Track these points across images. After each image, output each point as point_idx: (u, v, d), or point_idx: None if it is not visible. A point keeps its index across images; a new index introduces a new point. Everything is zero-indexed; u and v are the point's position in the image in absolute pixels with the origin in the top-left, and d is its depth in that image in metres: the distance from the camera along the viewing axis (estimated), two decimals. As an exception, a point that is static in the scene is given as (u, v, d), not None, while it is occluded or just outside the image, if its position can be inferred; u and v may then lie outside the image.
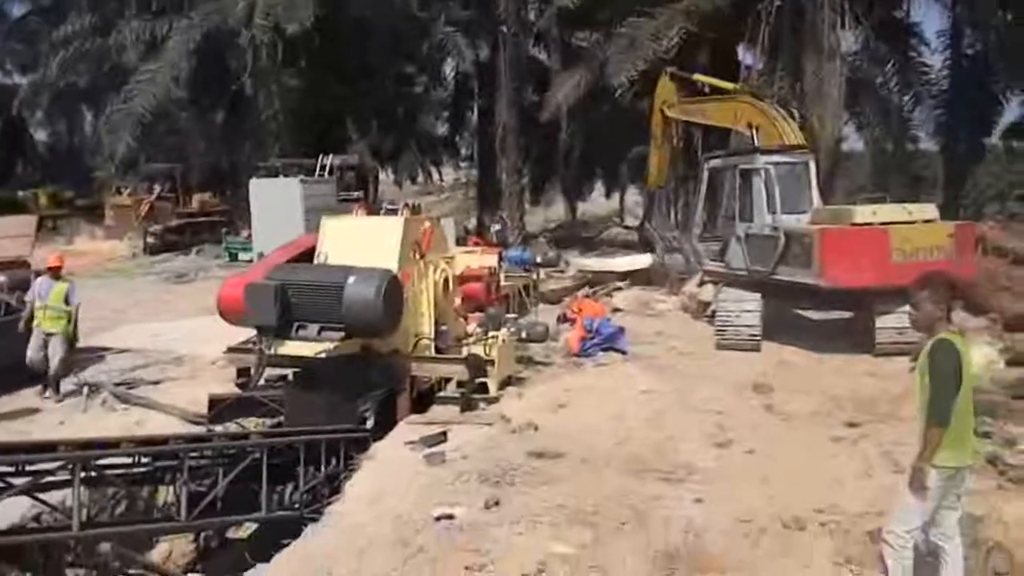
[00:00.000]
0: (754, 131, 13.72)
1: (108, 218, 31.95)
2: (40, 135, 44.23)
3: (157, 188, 30.84)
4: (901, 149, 23.91)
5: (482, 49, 31.60)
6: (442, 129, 42.60)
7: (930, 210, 11.61)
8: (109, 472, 5.61)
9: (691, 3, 19.28)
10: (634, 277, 17.11)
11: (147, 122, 28.36)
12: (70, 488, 5.36)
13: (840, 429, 7.85)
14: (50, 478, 5.05)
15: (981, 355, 8.87)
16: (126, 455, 5.67)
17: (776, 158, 12.26)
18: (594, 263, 18.53)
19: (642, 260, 17.68)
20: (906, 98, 24.26)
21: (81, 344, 12.72)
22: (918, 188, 24.70)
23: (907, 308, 10.33)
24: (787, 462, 6.96)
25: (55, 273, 10.56)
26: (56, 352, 10.17)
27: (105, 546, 4.86)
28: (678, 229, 19.05)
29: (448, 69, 37.93)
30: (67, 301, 10.42)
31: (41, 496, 5.44)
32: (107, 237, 30.41)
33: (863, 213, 11.10)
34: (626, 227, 29.19)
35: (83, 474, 5.02)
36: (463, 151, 43.08)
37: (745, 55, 21.12)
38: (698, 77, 17.44)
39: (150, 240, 28.18)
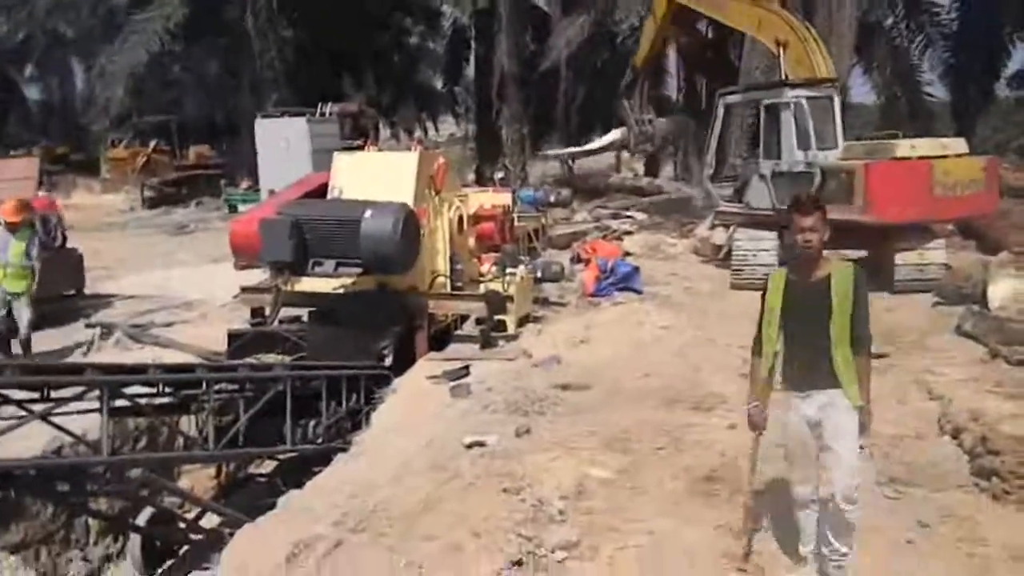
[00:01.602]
0: (781, 50, 13.22)
1: (104, 172, 31.69)
2: (32, 92, 43.55)
3: (153, 142, 30.52)
4: (911, 93, 23.59)
5: None
6: (440, 82, 42.13)
7: (961, 144, 11.38)
8: (142, 401, 5.47)
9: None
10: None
11: (140, 74, 27.95)
12: (92, 417, 5.30)
13: (867, 360, 7.73)
14: (77, 404, 4.89)
15: (1009, 287, 8.77)
16: (152, 382, 5.52)
17: (805, 92, 11.75)
18: (571, 150, 18.61)
19: (612, 135, 17.72)
20: (916, 41, 23.93)
21: (90, 291, 12.66)
22: (927, 134, 24.45)
23: (927, 248, 10.58)
24: (817, 391, 6.84)
25: (12, 227, 9.05)
26: (22, 314, 9.06)
27: (136, 472, 4.74)
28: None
29: (446, 20, 37.44)
30: (28, 256, 9.06)
31: (64, 426, 5.30)
32: (104, 191, 30.19)
33: (903, 147, 10.83)
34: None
35: (110, 402, 4.86)
36: (461, 103, 42.58)
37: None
38: None
39: (148, 194, 27.97)
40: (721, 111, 13.00)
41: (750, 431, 4.29)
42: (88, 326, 10.13)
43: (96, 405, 4.87)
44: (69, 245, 12.17)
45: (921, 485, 4.93)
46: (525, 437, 5.82)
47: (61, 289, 11.56)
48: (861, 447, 4.18)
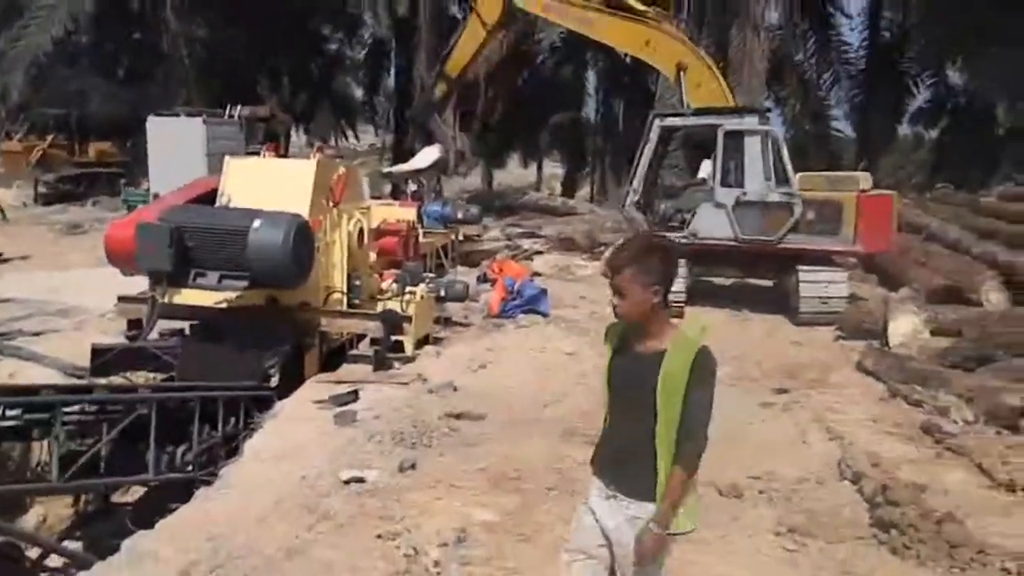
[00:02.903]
0: (681, 74, 13.03)
1: (-7, 165, 29.92)
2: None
3: (51, 135, 29.00)
4: (819, 127, 24.15)
5: (401, 5, 30.61)
6: (358, 91, 41.44)
7: (869, 179, 11.60)
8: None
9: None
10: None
11: (42, 63, 26.55)
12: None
13: (769, 395, 7.60)
14: None
15: (909, 324, 8.79)
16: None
17: (759, 121, 11.65)
18: (397, 167, 18.35)
19: (431, 154, 17.12)
20: (824, 76, 24.55)
21: (-40, 292, 11.71)
22: (833, 168, 25.08)
23: (831, 276, 10.67)
24: (717, 427, 6.57)
25: None
26: None
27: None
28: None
29: (366, 29, 36.86)
30: None
31: None
32: (-5, 185, 28.47)
33: (864, 180, 11.13)
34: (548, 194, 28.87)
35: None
36: (380, 113, 41.94)
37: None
38: None
39: (42, 189, 26.51)
40: (655, 135, 12.14)
41: None
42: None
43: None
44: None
45: (820, 536, 4.69)
46: (409, 473, 5.40)
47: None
48: None
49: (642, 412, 2.86)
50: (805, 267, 10.82)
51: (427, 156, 17.17)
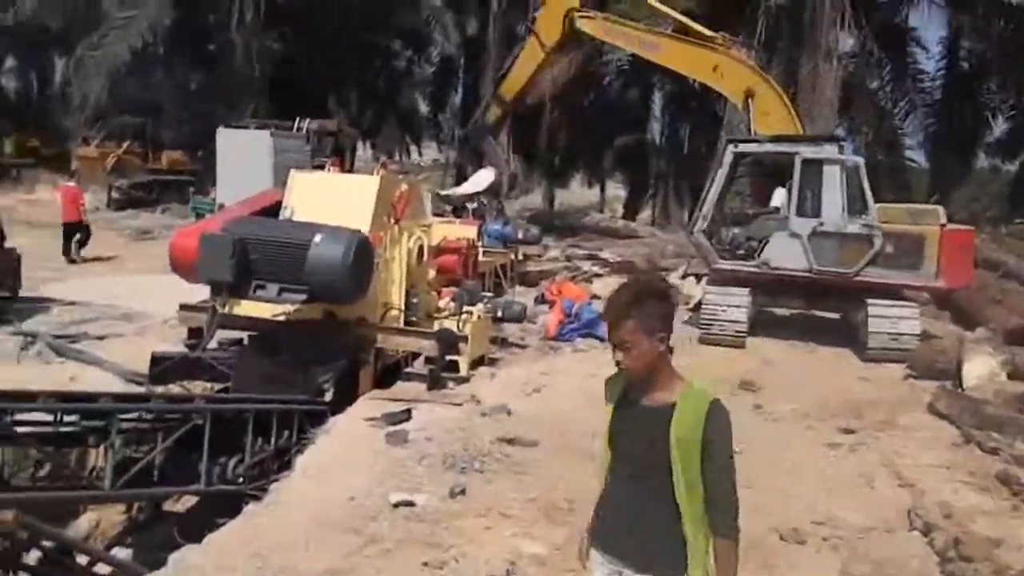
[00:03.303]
0: (749, 101, 12.71)
1: (73, 169, 30.82)
2: (10, 82, 42.69)
3: (126, 142, 29.86)
4: (893, 157, 23.52)
5: (471, 25, 30.87)
6: (425, 107, 41.82)
7: (942, 213, 11.19)
8: (23, 430, 4.89)
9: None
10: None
11: (120, 72, 27.35)
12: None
13: (834, 435, 7.29)
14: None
15: (985, 366, 8.41)
16: (46, 411, 4.95)
17: (839, 149, 11.19)
18: (452, 191, 17.92)
19: (484, 177, 16.76)
20: (900, 104, 23.93)
21: (29, 293, 12.01)
22: (904, 199, 24.43)
23: (902, 311, 10.31)
24: (780, 467, 6.39)
25: None
26: None
27: (6, 514, 4.17)
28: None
29: (434, 46, 37.25)
30: None
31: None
32: (71, 189, 29.33)
33: (942, 214, 10.76)
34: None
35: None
36: (445, 130, 42.27)
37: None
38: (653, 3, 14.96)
39: (115, 195, 27.27)
40: (728, 160, 11.63)
41: None
42: (13, 334, 9.49)
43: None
44: (10, 244, 11.54)
45: (887, 590, 4.45)
46: (459, 498, 5.30)
47: (-6, 291, 10.93)
48: None
49: (653, 474, 2.59)
50: (875, 300, 10.45)
51: (481, 179, 17.08)
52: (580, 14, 15.25)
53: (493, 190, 17.33)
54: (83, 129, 30.65)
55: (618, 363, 2.67)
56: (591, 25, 15.08)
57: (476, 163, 18.08)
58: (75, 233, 17.07)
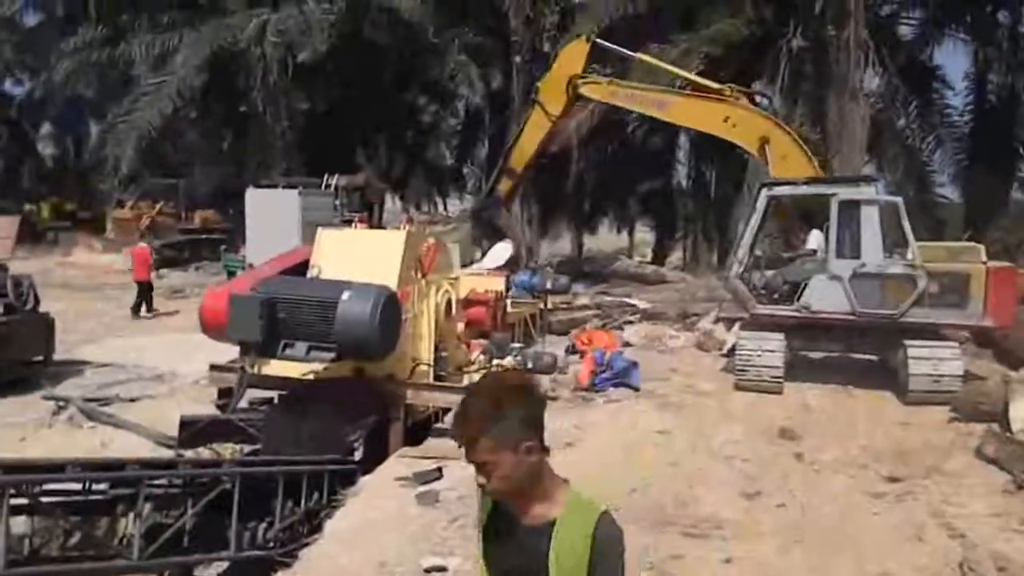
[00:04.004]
0: (765, 148, 12.62)
1: (109, 231, 31.46)
2: (47, 148, 43.86)
3: (160, 203, 30.41)
4: (923, 193, 23.23)
5: (495, 78, 31.23)
6: (451, 159, 42.21)
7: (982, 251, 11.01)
8: (50, 499, 4.85)
9: (716, 30, 18.61)
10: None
11: (151, 136, 27.95)
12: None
13: (880, 484, 7.05)
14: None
15: (1034, 409, 8.13)
16: (74, 480, 4.91)
17: (877, 189, 11.05)
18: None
19: (503, 251, 16.38)
20: (927, 140, 23.72)
21: (64, 357, 12.11)
22: (939, 236, 24.08)
23: (943, 352, 10.06)
24: (825, 519, 6.18)
25: None
26: None
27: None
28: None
29: (460, 100, 37.71)
30: None
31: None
32: (106, 250, 29.82)
33: (982, 251, 10.58)
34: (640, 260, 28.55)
35: (15, 501, 4.25)
36: (471, 182, 42.60)
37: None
38: (645, 58, 15.04)
39: (149, 255, 27.58)
40: (763, 204, 11.40)
41: None
42: (45, 398, 9.54)
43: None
44: (44, 308, 11.65)
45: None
46: (492, 561, 5.14)
47: (28, 355, 10.99)
48: None
49: None
50: (914, 342, 10.20)
51: (500, 255, 16.90)
52: (583, 80, 15.26)
53: (511, 264, 17.15)
54: (118, 192, 31.29)
55: (481, 486, 2.28)
56: (595, 90, 15.09)
57: (489, 236, 17.85)
58: (147, 290, 17.76)
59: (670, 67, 14.77)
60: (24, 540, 4.97)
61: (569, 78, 15.34)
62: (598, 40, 15.44)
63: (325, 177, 23.44)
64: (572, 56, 15.39)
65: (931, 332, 10.42)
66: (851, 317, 10.50)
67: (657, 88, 14.43)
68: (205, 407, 8.71)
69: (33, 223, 31.62)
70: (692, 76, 14.17)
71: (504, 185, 17.74)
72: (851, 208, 10.65)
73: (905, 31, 24.54)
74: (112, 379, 10.98)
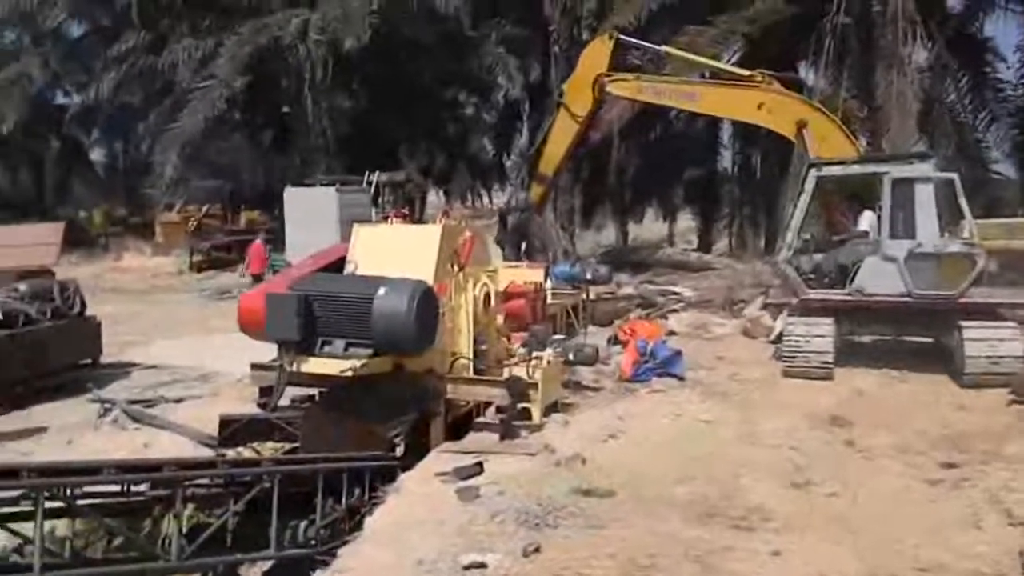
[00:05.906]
0: (803, 131, 12.33)
1: (157, 235, 32.06)
2: (97, 155, 44.76)
3: (206, 206, 30.85)
4: (976, 170, 22.50)
5: (533, 69, 31.05)
6: (492, 152, 42.15)
7: None
8: (87, 502, 4.87)
9: (755, 11, 18.17)
10: None
11: (197, 140, 28.33)
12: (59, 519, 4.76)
13: (935, 470, 6.80)
14: (11, 508, 4.30)
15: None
16: (111, 483, 4.92)
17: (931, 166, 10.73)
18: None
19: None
20: (981, 115, 22.97)
21: (111, 359, 12.31)
22: (994, 213, 23.33)
23: (1000, 332, 9.68)
24: (878, 508, 5.97)
25: None
26: None
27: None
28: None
29: (499, 92, 37.62)
30: None
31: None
32: (155, 254, 30.41)
33: None
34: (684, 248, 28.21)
35: (52, 504, 4.26)
36: (513, 175, 42.46)
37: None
38: (672, 51, 14.81)
39: (196, 257, 28.05)
40: (811, 185, 11.12)
41: None
42: (91, 401, 9.68)
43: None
44: (91, 311, 11.83)
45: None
46: (533, 557, 5.05)
47: (76, 359, 11.17)
48: None
49: None
50: (970, 323, 9.85)
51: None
52: (610, 79, 15.04)
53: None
54: (165, 196, 31.80)
55: None
56: (623, 87, 14.87)
57: (517, 241, 17.50)
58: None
59: (696, 57, 14.40)
60: (66, 542, 5.00)
61: (595, 78, 15.14)
62: (621, 36, 15.18)
63: (366, 174, 23.51)
64: (596, 55, 15.23)
65: (988, 312, 10.07)
66: (907, 299, 10.18)
67: (686, 80, 14.18)
68: (248, 406, 8.73)
69: (85, 229, 32.36)
70: (721, 64, 13.86)
71: (535, 191, 17.56)
72: (905, 186, 10.33)
73: (953, 2, 23.80)
74: (158, 380, 11.11)
